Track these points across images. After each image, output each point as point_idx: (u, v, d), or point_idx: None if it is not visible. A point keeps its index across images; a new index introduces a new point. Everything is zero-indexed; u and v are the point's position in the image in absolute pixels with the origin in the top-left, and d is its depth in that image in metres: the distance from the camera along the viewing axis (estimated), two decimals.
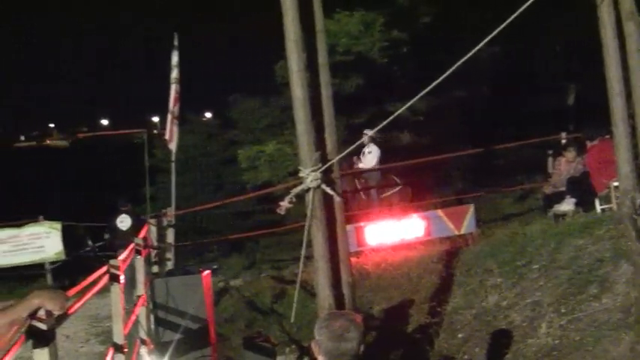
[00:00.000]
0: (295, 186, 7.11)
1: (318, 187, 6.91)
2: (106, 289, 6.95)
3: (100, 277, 6.67)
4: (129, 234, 16.64)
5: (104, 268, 6.79)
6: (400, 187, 18.01)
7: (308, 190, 6.91)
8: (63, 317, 4.61)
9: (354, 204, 17.36)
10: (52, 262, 18.70)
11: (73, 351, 11.79)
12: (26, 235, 18.77)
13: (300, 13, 6.87)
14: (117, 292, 6.76)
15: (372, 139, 17.76)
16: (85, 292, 5.55)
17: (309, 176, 6.86)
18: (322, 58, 7.24)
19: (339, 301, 7.10)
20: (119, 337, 6.73)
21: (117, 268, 6.80)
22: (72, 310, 4.97)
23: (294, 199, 7.07)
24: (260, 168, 19.93)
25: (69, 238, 19.03)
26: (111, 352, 6.71)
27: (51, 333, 3.95)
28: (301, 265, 7.49)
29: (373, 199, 17.69)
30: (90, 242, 20.32)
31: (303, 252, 7.21)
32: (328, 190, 6.99)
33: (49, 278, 18.84)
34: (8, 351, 3.62)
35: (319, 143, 7.05)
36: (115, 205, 16.84)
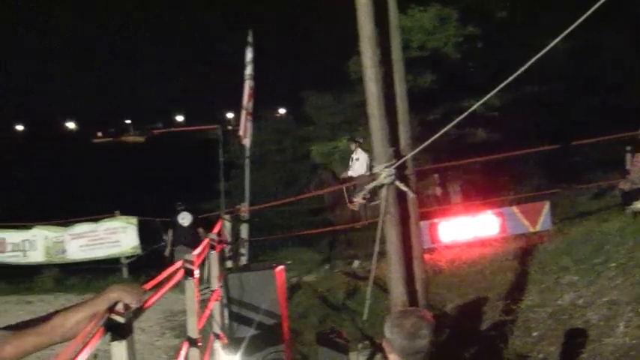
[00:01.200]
0: (368, 182, 7.09)
1: (392, 183, 6.88)
2: (180, 284, 7.02)
3: (174, 272, 6.73)
4: (188, 230, 16.87)
5: (179, 263, 6.85)
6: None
7: (382, 186, 6.89)
8: (140, 311, 4.66)
9: (343, 214, 17.31)
10: (128, 257, 18.96)
11: (148, 344, 11.93)
12: (103, 230, 19.08)
13: (375, 9, 6.84)
14: (191, 286, 6.81)
15: (360, 145, 17.70)
16: (160, 287, 5.60)
17: (383, 172, 6.84)
18: (396, 54, 7.21)
19: (411, 298, 7.07)
20: (193, 332, 6.78)
21: (191, 262, 6.85)
22: (148, 304, 5.02)
23: (367, 195, 7.05)
24: (333, 164, 19.95)
25: (144, 233, 19.27)
26: (185, 346, 6.76)
27: (128, 326, 3.98)
28: (374, 261, 7.47)
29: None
30: (165, 237, 20.57)
31: (376, 248, 7.19)
32: (402, 187, 6.96)
33: (124, 272, 19.11)
34: (86, 344, 3.67)
35: (393, 139, 7.03)
36: (182, 202, 17.15)
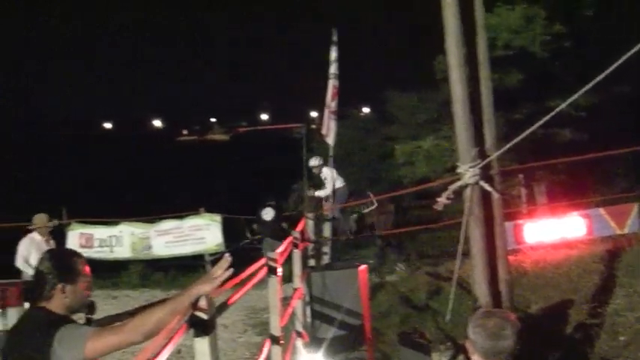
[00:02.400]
0: (453, 182, 7.04)
1: (477, 183, 6.82)
2: (263, 282, 7.06)
3: (258, 270, 6.78)
4: (271, 225, 17.02)
5: (262, 261, 6.90)
6: (376, 206, 17.62)
7: (466, 186, 6.84)
8: (223, 307, 4.72)
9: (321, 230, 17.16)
10: (212, 254, 19.14)
11: (230, 341, 12.04)
12: (188, 227, 19.33)
13: (460, 8, 6.79)
14: (275, 284, 6.85)
15: (322, 166, 17.51)
16: (244, 284, 5.65)
17: (468, 172, 6.78)
18: (482, 53, 7.14)
19: (495, 299, 6.99)
20: (276, 329, 6.82)
21: (275, 260, 6.89)
22: (231, 300, 5.08)
23: (452, 196, 7.00)
24: (417, 163, 19.83)
25: (229, 230, 19.44)
26: (267, 343, 6.81)
27: (211, 323, 4.04)
28: (458, 261, 7.41)
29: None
30: (249, 234, 20.70)
31: (459, 248, 7.14)
32: (486, 187, 6.89)
33: (208, 269, 19.28)
34: (170, 339, 3.72)
35: (478, 139, 6.96)
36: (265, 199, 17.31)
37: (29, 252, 12.63)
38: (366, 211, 17.52)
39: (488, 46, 7.31)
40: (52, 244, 12.95)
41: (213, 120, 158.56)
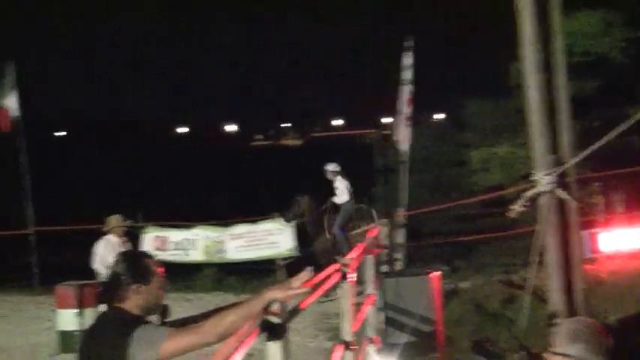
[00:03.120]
0: (527, 189, 6.97)
1: (552, 191, 6.74)
2: (335, 287, 7.07)
3: (330, 275, 6.79)
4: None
5: (335, 266, 6.90)
6: (376, 222, 17.21)
7: (541, 194, 6.77)
8: (295, 312, 4.74)
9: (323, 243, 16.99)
10: (285, 258, 19.20)
11: (302, 345, 12.05)
12: (261, 231, 19.42)
13: (536, 13, 6.73)
14: (347, 289, 6.85)
15: (338, 173, 17.12)
16: (316, 289, 5.66)
17: (543, 180, 6.72)
18: (559, 59, 7.06)
19: (570, 308, 6.91)
20: (348, 335, 6.82)
21: (347, 266, 6.89)
22: (303, 305, 5.09)
23: (526, 203, 6.93)
24: (492, 170, 19.68)
25: (302, 235, 19.49)
26: (339, 348, 6.81)
27: (284, 327, 4.06)
28: (533, 270, 7.33)
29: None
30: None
31: (534, 257, 7.06)
32: (562, 195, 6.81)
33: (280, 274, 19.36)
34: (242, 342, 3.75)
35: (554, 146, 6.89)
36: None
37: (105, 254, 12.81)
38: (367, 228, 17.14)
39: (565, 52, 7.23)
40: (128, 246, 13.14)
41: (287, 125, 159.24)
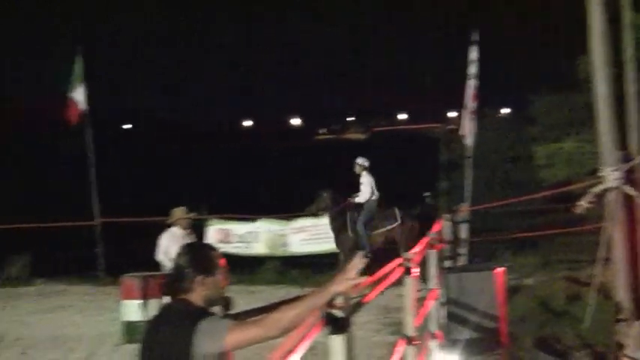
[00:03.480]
0: (594, 185, 6.87)
1: (619, 187, 6.63)
2: (398, 282, 7.04)
3: (394, 269, 6.77)
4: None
5: (399, 260, 6.88)
6: (399, 222, 16.84)
7: (608, 190, 6.66)
8: (358, 306, 4.73)
9: (346, 241, 16.77)
10: None
11: (364, 339, 12.02)
12: (323, 225, 19.41)
13: (606, 6, 6.62)
14: (410, 284, 6.83)
15: (365, 169, 16.73)
16: (379, 283, 5.65)
17: (610, 175, 6.61)
18: (629, 53, 6.94)
19: (637, 306, 6.79)
20: (410, 329, 6.79)
21: (410, 260, 6.87)
22: (366, 299, 5.09)
23: (593, 199, 6.82)
24: (557, 166, 19.42)
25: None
26: (401, 343, 6.79)
27: (347, 321, 4.05)
28: (599, 267, 7.22)
29: None
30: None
31: (601, 254, 6.95)
32: (630, 191, 6.69)
33: (343, 267, 19.34)
34: (306, 336, 3.76)
35: (622, 142, 6.77)
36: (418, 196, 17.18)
37: (169, 246, 12.93)
38: (390, 227, 16.90)
39: (635, 45, 7.10)
40: (192, 238, 13.24)
41: (351, 119, 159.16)
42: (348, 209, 16.67)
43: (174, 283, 4.26)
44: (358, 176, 16.92)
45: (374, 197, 16.42)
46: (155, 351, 4.13)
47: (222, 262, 4.40)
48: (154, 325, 4.29)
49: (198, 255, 4.34)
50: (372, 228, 16.48)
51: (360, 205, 16.56)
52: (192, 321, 4.00)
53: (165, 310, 4.36)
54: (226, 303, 13.77)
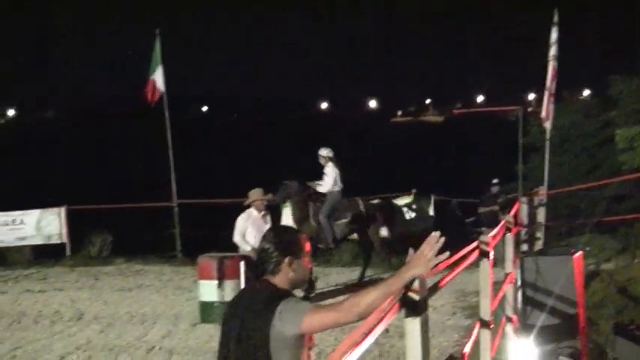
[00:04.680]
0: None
1: None
2: (474, 265, 7.00)
3: (469, 252, 6.72)
4: (497, 211, 16.71)
5: (474, 244, 6.83)
6: (363, 213, 16.34)
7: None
8: (434, 289, 4.71)
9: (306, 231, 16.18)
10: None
11: (439, 323, 12.00)
12: (399, 207, 19.36)
13: None
14: (486, 268, 6.78)
15: (330, 160, 16.24)
16: (455, 267, 5.62)
17: None
18: None
19: None
20: (486, 313, 6.75)
21: (487, 244, 6.82)
22: (442, 283, 5.07)
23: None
24: (637, 150, 19.08)
25: (440, 212, 19.39)
26: (477, 326, 6.75)
27: (423, 304, 4.04)
28: None
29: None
30: (460, 216, 20.57)
31: None
32: None
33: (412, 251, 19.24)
34: (382, 318, 3.76)
35: None
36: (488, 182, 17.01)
37: (246, 227, 13.09)
38: (352, 219, 16.46)
39: None
40: (268, 219, 13.36)
41: (428, 101, 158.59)
42: (311, 200, 16.33)
43: (262, 265, 4.32)
44: (322, 167, 16.57)
45: (337, 189, 16.05)
46: (236, 330, 4.19)
47: (308, 245, 4.45)
48: (236, 305, 4.36)
49: (285, 238, 4.38)
50: (335, 219, 16.17)
51: (323, 196, 16.25)
52: (273, 302, 4.07)
53: (247, 290, 4.46)
54: (310, 285, 13.87)
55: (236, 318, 4.21)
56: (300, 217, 16.02)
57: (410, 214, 19.38)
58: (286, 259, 4.26)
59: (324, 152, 16.21)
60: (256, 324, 4.04)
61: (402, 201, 19.44)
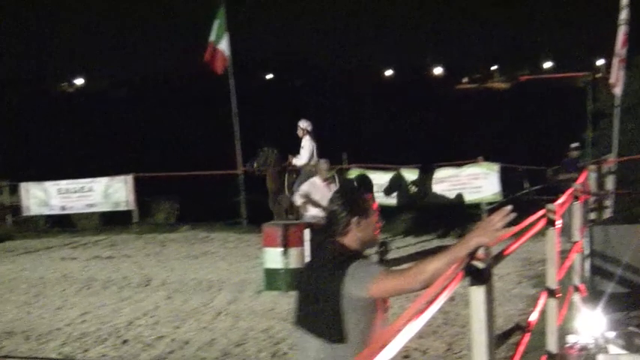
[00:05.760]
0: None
1: None
2: (540, 233, 6.89)
3: (536, 221, 6.61)
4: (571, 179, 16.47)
5: (541, 212, 6.72)
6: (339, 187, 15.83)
7: None
8: (499, 258, 4.64)
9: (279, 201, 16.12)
10: (489, 203, 18.95)
11: (504, 291, 11.90)
12: (465, 176, 19.19)
13: None
14: (553, 236, 6.67)
15: (308, 133, 15.75)
16: (521, 235, 5.53)
17: None
18: None
19: None
20: (552, 282, 6.65)
21: (554, 212, 6.70)
22: (508, 251, 4.99)
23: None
24: None
25: (507, 180, 19.17)
26: (543, 295, 6.66)
27: (488, 272, 3.98)
28: None
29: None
30: (527, 185, 20.32)
31: None
32: None
33: (484, 219, 19.10)
34: (445, 287, 3.70)
35: None
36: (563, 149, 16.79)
37: (309, 194, 13.14)
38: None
39: None
40: (333, 187, 13.35)
41: (494, 68, 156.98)
42: (287, 171, 16.13)
43: (331, 226, 4.35)
44: (300, 139, 16.33)
45: (312, 162, 15.87)
46: (309, 292, 4.25)
47: (375, 205, 4.48)
48: (310, 267, 4.46)
49: (352, 198, 4.41)
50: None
51: (299, 169, 16.06)
52: (345, 262, 4.11)
53: (319, 253, 4.48)
54: (383, 248, 13.85)
55: (310, 281, 4.27)
56: (275, 187, 15.97)
57: (414, 189, 19.31)
58: (354, 219, 4.29)
59: (303, 124, 16.18)
60: (328, 284, 4.09)
61: (470, 169, 19.24)
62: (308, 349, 4.27)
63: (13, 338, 10.57)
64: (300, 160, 16.08)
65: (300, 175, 15.77)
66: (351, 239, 4.30)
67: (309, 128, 16.15)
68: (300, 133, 16.24)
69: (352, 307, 4.04)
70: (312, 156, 15.91)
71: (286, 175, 16.19)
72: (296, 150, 16.27)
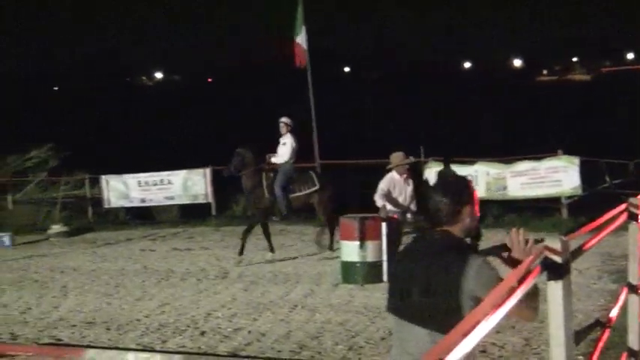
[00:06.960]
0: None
1: None
2: (622, 228, 6.76)
3: (617, 215, 6.49)
4: None
5: (622, 206, 6.59)
6: (317, 187, 15.55)
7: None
8: (577, 252, 4.56)
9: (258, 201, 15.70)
10: (568, 197, 18.69)
11: (584, 286, 11.72)
12: (544, 169, 18.98)
13: None
14: (635, 231, 6.54)
15: (290, 129, 15.18)
16: (601, 229, 5.43)
17: None
18: None
19: None
20: (634, 278, 6.52)
21: (636, 206, 6.56)
22: (587, 246, 4.90)
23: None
24: None
25: (587, 173, 18.89)
26: (624, 291, 6.54)
27: (566, 267, 3.91)
28: None
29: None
30: (608, 178, 19.98)
31: None
32: None
33: (564, 213, 18.91)
34: (522, 281, 3.65)
35: None
36: None
37: (387, 190, 13.11)
38: (308, 192, 15.72)
39: None
40: (410, 182, 13.32)
41: (574, 60, 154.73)
42: (264, 170, 15.81)
43: (437, 216, 4.32)
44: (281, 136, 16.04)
45: (291, 160, 15.60)
46: (420, 280, 4.19)
47: (476, 193, 4.50)
48: (411, 257, 4.38)
49: (459, 187, 4.41)
50: (290, 191, 15.67)
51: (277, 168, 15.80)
52: (463, 254, 4.12)
53: (424, 241, 4.45)
54: (477, 234, 13.78)
55: (414, 269, 4.22)
56: (251, 187, 15.78)
57: (493, 182, 19.12)
58: (463, 208, 4.29)
59: (286, 120, 16.05)
60: (445, 276, 4.07)
61: (550, 163, 18.99)
62: (409, 340, 4.24)
63: (94, 328, 10.75)
64: (280, 158, 15.93)
65: (278, 173, 15.72)
66: (458, 228, 4.29)
67: (292, 125, 16.10)
68: (283, 129, 16.07)
69: (469, 304, 4.01)
70: (292, 154, 15.85)
71: (264, 175, 16.00)
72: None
